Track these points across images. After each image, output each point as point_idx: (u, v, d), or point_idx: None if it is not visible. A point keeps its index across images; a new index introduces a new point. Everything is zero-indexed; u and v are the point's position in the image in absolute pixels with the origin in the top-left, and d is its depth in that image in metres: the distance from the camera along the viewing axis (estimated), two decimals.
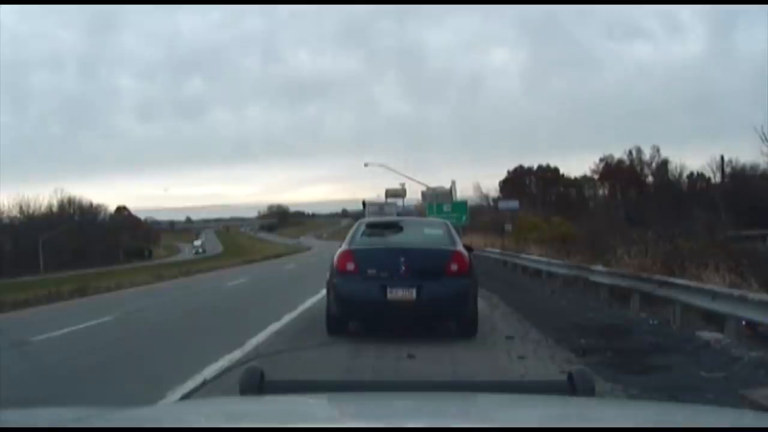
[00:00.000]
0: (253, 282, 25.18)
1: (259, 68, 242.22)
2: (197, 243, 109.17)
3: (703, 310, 9.77)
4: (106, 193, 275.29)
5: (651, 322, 10.48)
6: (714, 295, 9.10)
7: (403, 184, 44.31)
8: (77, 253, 68.54)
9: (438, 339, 9.13)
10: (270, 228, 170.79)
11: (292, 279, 25.72)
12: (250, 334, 9.91)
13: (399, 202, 43.75)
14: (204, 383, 6.91)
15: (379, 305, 9.07)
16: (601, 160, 69.37)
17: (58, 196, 79.18)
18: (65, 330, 11.79)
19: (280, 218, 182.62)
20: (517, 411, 1.92)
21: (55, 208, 77.94)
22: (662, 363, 7.47)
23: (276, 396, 2.08)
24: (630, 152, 66.92)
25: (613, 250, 15.18)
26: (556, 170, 75.82)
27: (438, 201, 33.73)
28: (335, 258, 9.55)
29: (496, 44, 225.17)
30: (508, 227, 34.52)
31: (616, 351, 8.19)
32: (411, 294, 8.98)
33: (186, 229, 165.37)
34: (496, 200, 55.19)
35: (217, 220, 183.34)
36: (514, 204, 38.00)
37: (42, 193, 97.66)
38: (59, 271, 51.84)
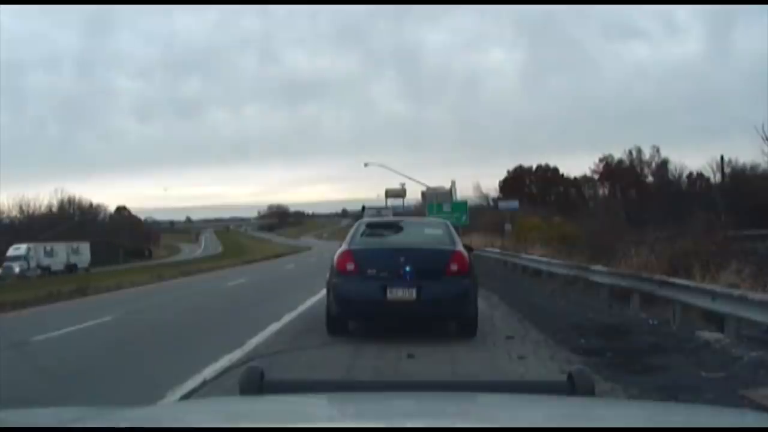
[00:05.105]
0: (253, 282, 25.17)
1: (257, 68, 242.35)
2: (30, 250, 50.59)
3: (703, 310, 9.76)
4: (106, 193, 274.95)
5: (651, 322, 10.47)
6: (714, 295, 9.09)
7: (403, 184, 44.44)
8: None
9: (438, 339, 9.13)
10: (270, 228, 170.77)
11: (292, 279, 25.71)
12: (250, 334, 9.92)
13: (399, 201, 43.86)
14: (204, 383, 6.92)
15: (379, 305, 9.07)
16: (601, 160, 69.34)
17: (58, 196, 79.11)
18: (65, 330, 11.79)
19: (280, 218, 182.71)
20: (517, 411, 1.92)
21: (55, 208, 77.98)
22: (662, 363, 7.46)
23: (276, 396, 2.08)
24: (630, 152, 66.91)
25: (617, 250, 15.13)
26: (555, 170, 75.80)
27: (438, 201, 33.78)
28: (335, 258, 9.55)
29: (494, 44, 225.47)
30: (508, 227, 34.56)
31: (616, 351, 8.19)
32: (411, 294, 8.97)
33: (186, 229, 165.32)
34: (496, 200, 55.21)
35: (217, 220, 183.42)
36: (514, 204, 38.03)
37: (42, 193, 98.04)
38: None
